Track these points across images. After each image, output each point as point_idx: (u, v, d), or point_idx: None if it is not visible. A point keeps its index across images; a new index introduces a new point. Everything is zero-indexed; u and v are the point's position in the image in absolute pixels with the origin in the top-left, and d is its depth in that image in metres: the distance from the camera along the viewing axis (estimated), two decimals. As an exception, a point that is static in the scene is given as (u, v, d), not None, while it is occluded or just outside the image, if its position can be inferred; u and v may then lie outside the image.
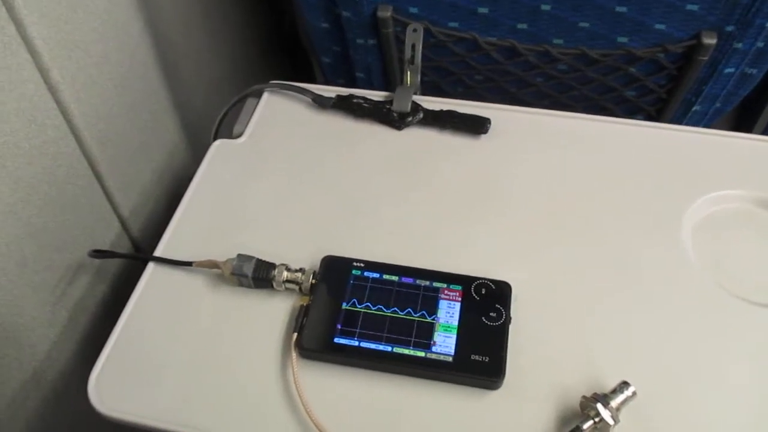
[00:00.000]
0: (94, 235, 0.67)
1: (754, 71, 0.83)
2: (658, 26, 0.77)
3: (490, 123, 0.69)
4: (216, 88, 0.91)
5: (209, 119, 0.75)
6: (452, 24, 0.82)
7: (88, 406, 0.51)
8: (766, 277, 0.57)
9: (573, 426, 0.47)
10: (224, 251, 0.57)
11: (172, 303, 0.56)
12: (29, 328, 0.60)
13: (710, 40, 0.76)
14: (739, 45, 0.77)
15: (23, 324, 0.59)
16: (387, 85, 0.94)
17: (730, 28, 0.76)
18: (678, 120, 0.91)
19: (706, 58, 0.79)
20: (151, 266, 0.58)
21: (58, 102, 0.60)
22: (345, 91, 0.73)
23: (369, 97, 0.71)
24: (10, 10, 0.52)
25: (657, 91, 0.87)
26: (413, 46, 0.76)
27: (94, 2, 0.62)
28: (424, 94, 0.75)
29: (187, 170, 0.82)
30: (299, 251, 0.58)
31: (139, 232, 0.75)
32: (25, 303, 0.59)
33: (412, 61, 0.76)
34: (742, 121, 0.99)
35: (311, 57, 1.00)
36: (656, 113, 0.91)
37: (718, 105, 0.90)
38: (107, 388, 0.51)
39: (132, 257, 0.70)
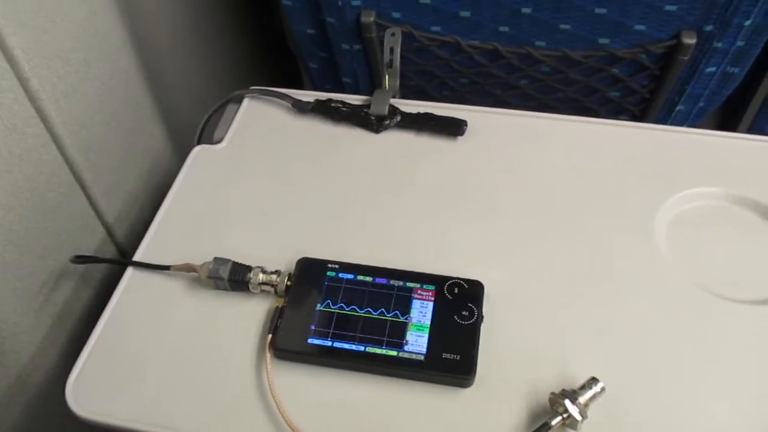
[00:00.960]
0: (78, 242, 0.68)
1: (736, 70, 0.84)
2: (638, 27, 0.78)
3: (466, 125, 0.69)
4: (202, 95, 0.92)
5: (195, 125, 0.76)
6: (435, 28, 0.82)
7: (74, 413, 0.52)
8: (740, 274, 0.58)
9: (542, 423, 0.47)
10: (203, 255, 0.58)
11: (150, 307, 0.57)
12: (12, 334, 0.60)
13: (690, 40, 0.77)
14: (719, 44, 0.78)
15: (6, 330, 0.60)
16: (374, 89, 0.94)
17: (709, 28, 0.76)
18: (662, 120, 0.92)
19: (686, 57, 0.79)
20: (130, 271, 0.59)
21: (38, 110, 0.60)
22: (323, 95, 0.73)
23: (347, 101, 0.72)
24: (-14, 21, 0.53)
25: (640, 92, 0.87)
26: (391, 50, 0.77)
27: (73, 11, 0.62)
28: (409, 98, 0.75)
29: (172, 176, 0.83)
30: (276, 254, 0.58)
31: (124, 237, 0.76)
32: (7, 309, 0.59)
33: (390, 64, 0.77)
34: (727, 120, 1.00)
35: (299, 62, 1.01)
36: (640, 113, 0.92)
37: (701, 104, 0.90)
38: (85, 391, 0.52)
39: (113, 261, 0.71)
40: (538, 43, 0.82)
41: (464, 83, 0.92)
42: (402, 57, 0.82)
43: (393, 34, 0.78)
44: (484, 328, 0.53)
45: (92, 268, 0.70)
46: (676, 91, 0.86)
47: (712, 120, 0.98)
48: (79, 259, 0.63)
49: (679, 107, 0.90)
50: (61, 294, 0.67)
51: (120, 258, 0.75)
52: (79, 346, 0.57)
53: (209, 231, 0.62)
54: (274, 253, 0.58)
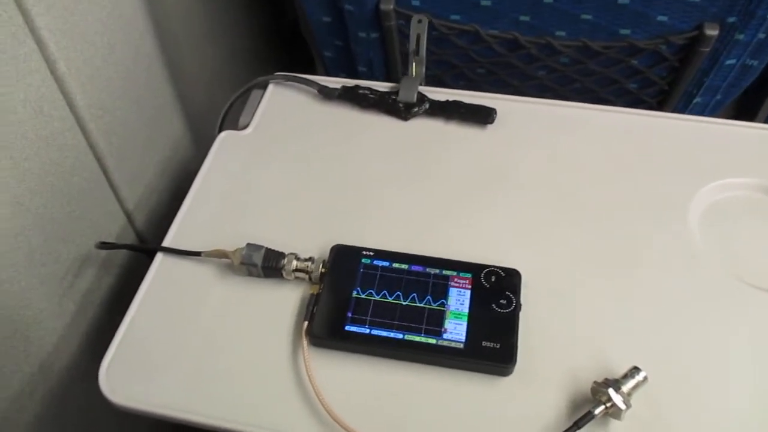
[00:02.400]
0: (100, 228, 0.67)
1: (755, 63, 0.84)
2: (660, 18, 0.78)
3: (496, 113, 0.69)
4: (218, 82, 0.91)
5: (211, 113, 0.75)
6: (454, 16, 0.82)
7: (95, 398, 0.51)
8: (771, 263, 0.58)
9: (585, 411, 0.47)
10: (232, 241, 0.57)
11: (181, 293, 0.56)
12: (37, 320, 0.60)
13: (712, 32, 0.77)
14: (741, 36, 0.78)
15: (31, 316, 0.59)
16: (388, 78, 0.94)
17: (732, 19, 0.76)
18: (679, 112, 0.92)
19: (707, 49, 0.79)
20: (159, 257, 0.58)
21: (64, 93, 0.59)
22: (350, 82, 0.73)
23: (374, 88, 0.71)
24: (18, 2, 0.52)
25: (659, 83, 0.87)
26: (418, 37, 0.76)
27: (100, -8, 0.62)
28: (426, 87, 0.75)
29: (190, 164, 0.82)
30: (308, 241, 0.58)
31: (143, 224, 0.75)
32: (33, 295, 0.59)
33: (417, 52, 0.76)
34: (742, 112, 1.00)
35: (312, 51, 1.00)
36: (657, 105, 0.92)
37: (719, 97, 0.91)
38: (118, 378, 0.51)
39: (140, 249, 0.70)
40: (558, 33, 0.82)
41: (481, 73, 0.91)
42: (420, 47, 0.82)
43: (420, 21, 0.77)
44: (522, 317, 0.53)
45: (113, 256, 0.70)
46: (694, 82, 0.87)
47: (727, 113, 0.98)
48: (105, 245, 0.62)
49: (696, 99, 0.90)
50: (84, 280, 0.66)
51: (140, 244, 0.74)
52: (101, 335, 0.56)
53: (238, 217, 0.61)
54: (305, 240, 0.58)
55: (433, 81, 0.92)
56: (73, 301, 0.65)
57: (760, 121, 0.97)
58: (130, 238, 0.73)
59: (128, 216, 0.72)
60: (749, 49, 0.80)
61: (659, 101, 0.91)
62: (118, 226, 0.71)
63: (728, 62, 0.83)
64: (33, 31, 0.54)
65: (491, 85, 0.92)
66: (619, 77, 0.87)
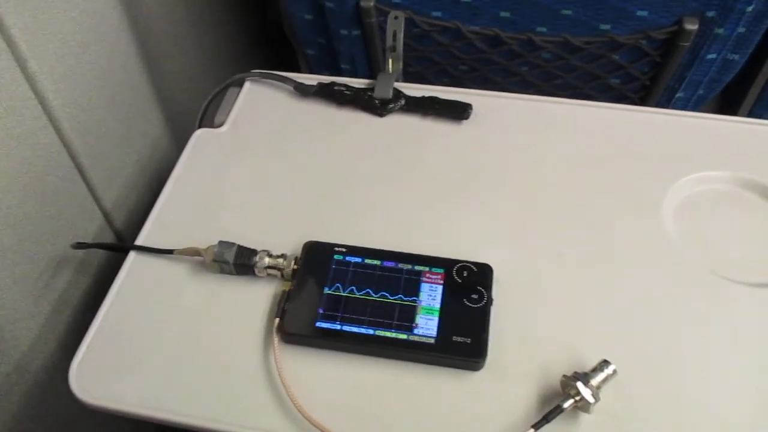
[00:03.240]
0: (76, 227, 0.67)
1: (736, 57, 0.84)
2: (640, 13, 0.78)
3: (471, 108, 0.69)
4: (199, 81, 0.91)
5: (193, 111, 0.75)
6: (435, 13, 0.82)
7: (72, 398, 0.51)
8: (747, 256, 0.58)
9: (554, 405, 0.47)
10: (206, 239, 0.57)
11: (153, 291, 0.56)
12: (11, 320, 0.60)
13: (692, 26, 0.77)
14: (721, 30, 0.78)
15: (5, 316, 0.59)
16: (372, 76, 0.94)
17: (711, 14, 0.76)
18: (662, 107, 0.92)
19: (688, 44, 0.80)
20: (132, 255, 0.58)
21: (36, 92, 0.59)
22: (326, 79, 0.73)
23: (350, 84, 0.71)
24: (-16, -2, 0.52)
25: (640, 78, 0.87)
26: (394, 34, 0.76)
27: (74, -12, 0.61)
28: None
29: (170, 162, 0.81)
30: (281, 238, 0.58)
31: (122, 224, 0.75)
32: (6, 294, 0.58)
33: (393, 48, 0.76)
34: (725, 108, 1.00)
35: (295, 49, 1.00)
36: (640, 100, 0.92)
37: (701, 92, 0.91)
38: (88, 376, 0.51)
39: (113, 247, 0.70)
40: (539, 29, 0.82)
41: (464, 70, 0.91)
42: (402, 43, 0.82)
43: (396, 18, 0.77)
44: (494, 311, 0.53)
45: (90, 256, 0.69)
46: (676, 77, 0.87)
47: (710, 108, 0.98)
48: (81, 245, 0.62)
49: (678, 94, 0.90)
50: (60, 281, 0.66)
51: (116, 243, 0.74)
52: (77, 335, 0.56)
53: (212, 214, 0.61)
54: (279, 237, 0.58)
55: (415, 78, 0.92)
56: (49, 300, 0.64)
57: (742, 116, 0.97)
58: (108, 238, 0.73)
59: (106, 215, 0.72)
60: (729, 43, 0.81)
61: (642, 96, 0.91)
62: (96, 226, 0.70)
63: (709, 56, 0.83)
64: (2, 30, 0.54)
65: (474, 82, 0.92)
66: (601, 73, 0.87)
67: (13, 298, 0.59)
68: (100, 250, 0.70)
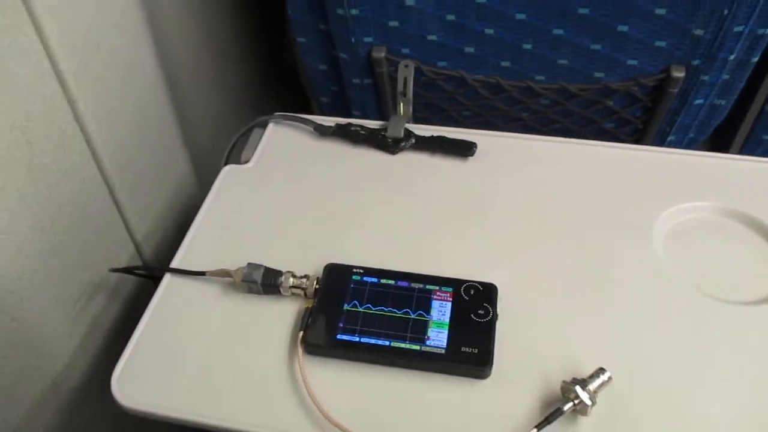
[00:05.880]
0: (111, 257, 0.72)
1: (723, 102, 0.89)
2: (630, 62, 0.83)
3: (476, 146, 0.74)
4: (221, 126, 0.97)
5: (215, 153, 0.81)
6: (441, 63, 0.88)
7: (103, 417, 0.55)
8: (730, 277, 0.62)
9: (554, 408, 0.51)
10: (234, 263, 0.62)
11: (187, 308, 0.61)
12: (51, 339, 0.64)
13: (679, 74, 0.82)
14: (706, 77, 0.83)
15: (47, 334, 0.63)
16: (382, 120, 0.99)
17: (696, 62, 0.82)
18: (655, 149, 0.97)
19: (676, 90, 0.85)
20: (167, 277, 0.63)
21: (83, 131, 0.65)
22: (343, 120, 0.79)
23: (365, 125, 0.77)
24: (46, 47, 0.58)
25: (634, 122, 0.93)
26: (405, 80, 0.83)
27: (116, 39, 0.68)
28: (417, 128, 0.80)
29: (195, 199, 0.88)
30: (304, 260, 0.62)
31: (150, 255, 0.80)
32: (49, 315, 0.63)
33: (404, 93, 0.83)
34: (716, 150, 1.05)
35: (309, 97, 1.07)
36: (634, 143, 0.96)
37: (691, 135, 0.96)
38: (128, 384, 0.55)
39: (149, 270, 0.75)
40: (537, 77, 0.88)
41: (468, 116, 0.97)
42: (410, 90, 0.88)
43: (407, 66, 0.84)
44: (499, 326, 0.57)
45: (122, 284, 0.74)
46: (667, 121, 0.92)
47: (702, 149, 1.03)
48: (117, 270, 0.68)
49: (670, 137, 0.95)
50: (95, 305, 0.70)
51: (151, 267, 0.79)
52: (109, 357, 0.60)
53: (240, 241, 0.66)
54: (302, 260, 0.62)
55: (423, 122, 0.98)
56: (85, 323, 0.69)
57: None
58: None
59: (137, 246, 0.77)
60: (715, 89, 0.86)
61: (635, 140, 0.96)
62: (128, 255, 0.76)
63: (697, 102, 0.88)
64: (57, 73, 0.60)
65: (478, 127, 0.97)
66: (596, 117, 0.92)
67: (55, 318, 0.64)
68: (131, 278, 0.76)
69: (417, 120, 0.96)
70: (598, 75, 0.86)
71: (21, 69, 0.56)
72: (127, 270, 0.69)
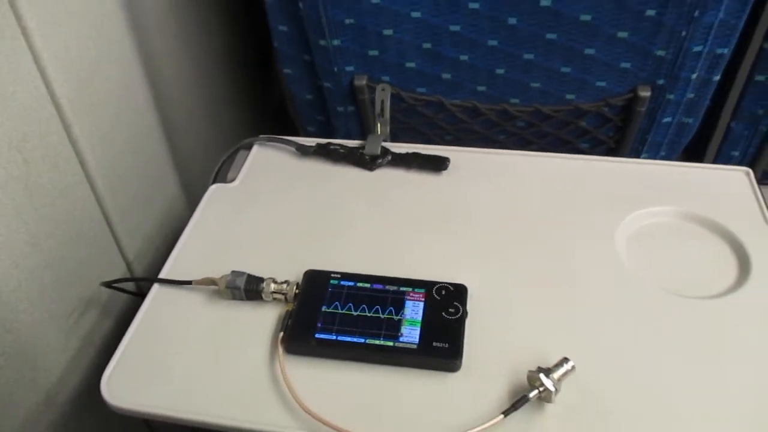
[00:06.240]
0: (103, 274, 0.75)
1: (690, 120, 0.93)
2: (599, 83, 0.88)
3: (449, 161, 0.78)
4: (210, 152, 1.01)
5: (204, 177, 0.85)
6: (420, 89, 0.93)
7: (95, 430, 0.57)
8: (690, 275, 0.66)
9: (521, 396, 0.54)
10: (219, 273, 0.65)
11: (174, 315, 0.64)
12: (45, 352, 0.67)
13: (645, 93, 0.86)
14: (672, 96, 0.87)
15: (41, 347, 0.66)
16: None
17: (661, 82, 0.86)
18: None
19: (644, 109, 0.89)
20: (155, 287, 0.66)
21: (78, 153, 0.69)
22: (323, 140, 0.83)
23: (344, 144, 0.81)
24: (43, 74, 0.63)
25: (607, 142, 0.96)
26: (382, 102, 0.87)
27: (110, 68, 0.73)
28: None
29: (183, 222, 0.91)
30: (284, 268, 0.66)
31: (141, 274, 0.83)
32: (43, 328, 0.66)
33: (381, 114, 0.87)
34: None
35: (298, 127, 1.11)
36: (608, 162, 1.00)
37: (663, 153, 0.99)
38: (118, 385, 0.58)
39: (138, 280, 0.78)
40: (512, 100, 0.92)
41: (448, 140, 1.00)
42: (391, 116, 0.92)
43: (383, 89, 0.88)
44: (469, 323, 0.60)
45: (114, 301, 0.77)
46: (638, 140, 0.95)
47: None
48: (107, 284, 0.71)
49: (643, 155, 0.99)
50: (88, 321, 0.73)
51: (140, 282, 0.82)
52: (99, 371, 0.62)
53: (225, 253, 0.70)
54: (283, 267, 0.66)
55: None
56: (77, 338, 0.72)
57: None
58: (129, 286, 0.81)
59: (128, 265, 0.81)
60: (681, 107, 0.90)
61: (609, 159, 1.00)
62: (120, 273, 0.79)
63: (665, 120, 0.92)
64: (53, 98, 0.65)
65: (458, 150, 1.02)
66: (570, 138, 0.96)
67: (48, 331, 0.67)
68: (122, 295, 0.78)
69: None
70: (569, 97, 0.90)
71: (19, 93, 0.60)
72: (117, 281, 0.72)
